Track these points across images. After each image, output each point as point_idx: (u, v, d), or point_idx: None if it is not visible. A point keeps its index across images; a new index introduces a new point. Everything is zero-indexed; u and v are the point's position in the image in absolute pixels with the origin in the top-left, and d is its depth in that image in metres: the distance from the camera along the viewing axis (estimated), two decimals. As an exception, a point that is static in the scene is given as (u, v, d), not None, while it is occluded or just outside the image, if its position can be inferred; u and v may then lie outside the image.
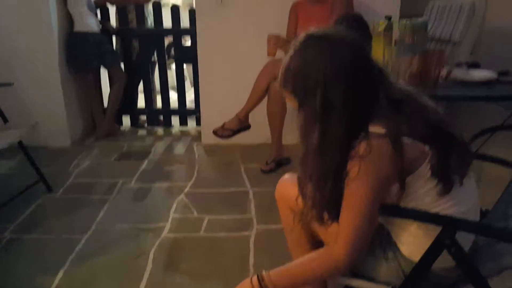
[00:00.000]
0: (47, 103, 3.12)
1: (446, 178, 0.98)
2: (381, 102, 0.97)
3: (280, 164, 2.84)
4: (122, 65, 3.65)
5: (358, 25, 2.17)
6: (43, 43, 3.04)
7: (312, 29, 1.05)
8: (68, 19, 3.22)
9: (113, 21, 3.60)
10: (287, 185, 1.32)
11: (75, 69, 3.32)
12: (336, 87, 0.94)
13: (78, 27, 3.17)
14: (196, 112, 3.66)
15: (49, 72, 3.08)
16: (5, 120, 2.46)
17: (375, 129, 0.95)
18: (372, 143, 0.93)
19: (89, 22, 3.19)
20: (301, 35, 1.05)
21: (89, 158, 3.05)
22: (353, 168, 0.94)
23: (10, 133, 2.29)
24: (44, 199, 2.42)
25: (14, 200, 2.28)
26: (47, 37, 3.03)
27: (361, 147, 0.93)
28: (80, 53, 3.22)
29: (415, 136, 0.96)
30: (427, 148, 0.96)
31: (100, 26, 3.34)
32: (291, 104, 1.10)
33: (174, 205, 2.35)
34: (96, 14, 3.34)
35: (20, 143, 2.34)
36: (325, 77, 0.95)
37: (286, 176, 1.37)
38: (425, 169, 0.96)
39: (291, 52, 1.04)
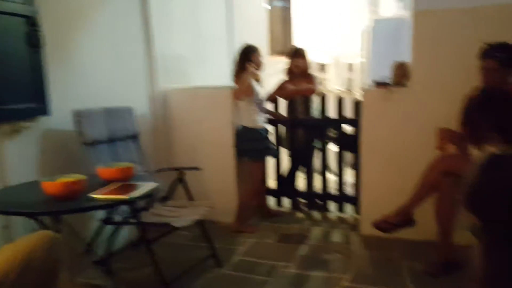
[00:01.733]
0: (222, 185, 3.51)
1: None
2: None
3: (448, 268, 2.60)
4: (287, 150, 3.97)
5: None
6: (223, 135, 3.48)
7: (496, 148, 1.02)
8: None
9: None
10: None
11: (240, 158, 3.58)
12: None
13: (246, 123, 3.44)
14: (355, 199, 3.67)
15: (226, 159, 3.49)
16: (191, 199, 2.86)
17: None
18: None
19: (256, 119, 3.44)
20: (486, 154, 1.03)
21: (253, 237, 3.27)
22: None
23: (193, 211, 2.63)
24: (214, 274, 2.66)
25: (189, 272, 2.57)
26: (226, 131, 3.48)
27: None
28: (248, 145, 3.47)
29: None
30: None
31: (265, 121, 3.59)
32: (473, 221, 1.05)
33: (332, 299, 2.34)
34: (264, 111, 3.62)
35: (200, 220, 2.67)
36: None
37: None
38: None
39: (474, 170, 1.02)
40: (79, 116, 2.63)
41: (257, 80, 3.53)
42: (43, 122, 2.52)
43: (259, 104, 3.48)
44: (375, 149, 3.16)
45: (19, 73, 2.29)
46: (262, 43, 5.18)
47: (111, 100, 2.99)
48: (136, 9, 3.40)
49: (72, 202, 1.78)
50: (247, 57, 3.39)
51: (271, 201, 4.05)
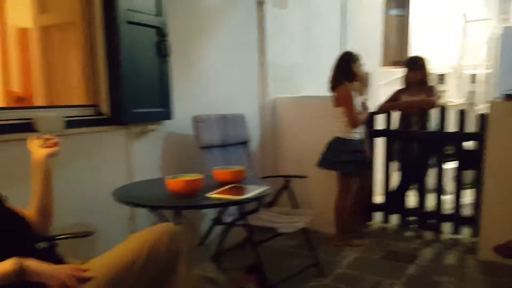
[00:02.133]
0: (327, 195, 3.43)
1: None
2: None
3: None
4: (397, 165, 3.80)
5: None
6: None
7: None
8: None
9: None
10: None
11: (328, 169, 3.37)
12: None
13: (340, 133, 3.25)
14: (473, 221, 3.36)
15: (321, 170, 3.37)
16: (296, 206, 2.88)
17: None
18: None
19: (351, 130, 3.22)
20: None
21: (357, 251, 3.18)
22: None
23: (298, 219, 2.64)
24: (317, 283, 2.64)
25: (291, 278, 2.58)
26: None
27: None
28: (338, 156, 3.24)
29: None
30: None
31: (363, 135, 3.37)
32: None
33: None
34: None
35: (303, 228, 2.67)
36: None
37: None
38: None
39: None
40: (198, 122, 2.82)
41: (360, 91, 3.33)
42: (166, 126, 2.75)
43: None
44: (501, 168, 2.87)
45: (149, 80, 2.54)
46: (375, 53, 5.06)
47: (225, 107, 3.16)
48: (253, 19, 3.56)
49: (191, 199, 1.91)
50: (346, 66, 3.23)
51: (377, 217, 3.90)
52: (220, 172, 2.26)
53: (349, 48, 3.98)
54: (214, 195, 1.91)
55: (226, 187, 2.08)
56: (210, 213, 2.80)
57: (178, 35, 2.75)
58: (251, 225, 2.51)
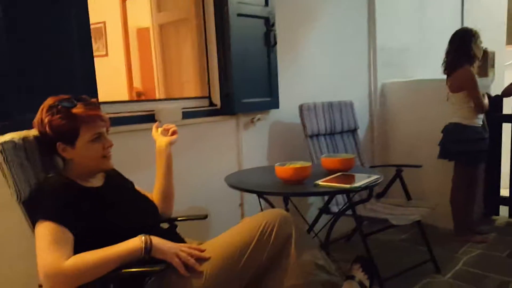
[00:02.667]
0: (443, 187, 3.16)
1: None
2: None
3: None
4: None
5: None
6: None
7: None
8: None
9: None
10: None
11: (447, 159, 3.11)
12: None
13: (460, 120, 2.96)
14: None
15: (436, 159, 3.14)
16: (409, 198, 2.73)
17: None
18: None
19: (474, 116, 2.94)
20: None
21: (479, 248, 2.91)
22: None
23: (412, 211, 2.49)
24: (433, 280, 2.48)
25: (403, 273, 2.45)
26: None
27: None
28: (458, 146, 2.99)
29: None
30: None
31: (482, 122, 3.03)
32: None
33: None
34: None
35: (418, 221, 2.51)
36: None
37: None
38: None
39: None
40: (304, 110, 2.80)
41: (482, 73, 3.05)
42: (273, 114, 2.79)
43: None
44: None
45: (257, 71, 2.58)
46: (500, 31, 4.56)
47: (332, 94, 3.09)
48: (362, 2, 3.42)
49: (299, 186, 1.91)
50: (465, 45, 2.92)
51: (504, 211, 3.53)
52: (328, 160, 2.22)
53: (469, 26, 3.63)
54: (323, 182, 1.88)
55: (335, 175, 2.04)
56: (316, 202, 2.78)
57: (284, 24, 2.75)
58: (361, 215, 2.44)
